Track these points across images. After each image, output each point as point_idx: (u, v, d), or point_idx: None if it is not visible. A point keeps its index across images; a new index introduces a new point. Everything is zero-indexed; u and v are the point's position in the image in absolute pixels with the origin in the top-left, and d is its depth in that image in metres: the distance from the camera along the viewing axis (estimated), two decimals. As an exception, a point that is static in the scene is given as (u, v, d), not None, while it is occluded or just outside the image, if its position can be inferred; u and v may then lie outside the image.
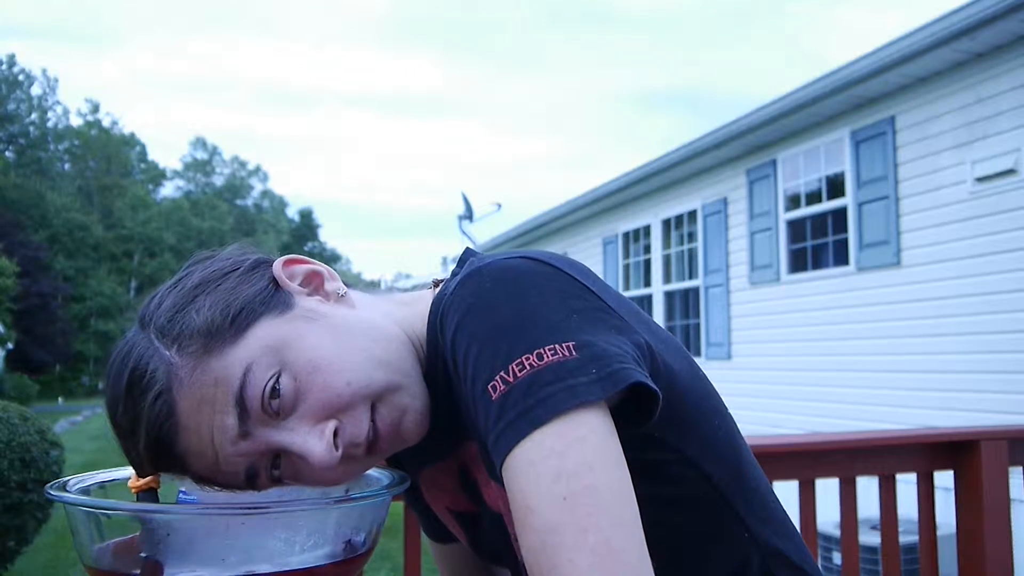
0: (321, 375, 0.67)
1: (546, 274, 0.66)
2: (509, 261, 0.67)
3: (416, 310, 0.79)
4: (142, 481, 0.68)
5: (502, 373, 0.60)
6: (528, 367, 0.59)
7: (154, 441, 0.65)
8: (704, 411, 0.73)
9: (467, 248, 0.82)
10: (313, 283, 0.75)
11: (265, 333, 0.67)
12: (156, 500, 0.68)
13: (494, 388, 0.60)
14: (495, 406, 0.60)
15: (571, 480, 0.56)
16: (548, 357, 0.59)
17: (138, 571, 0.62)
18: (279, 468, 0.69)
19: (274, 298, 0.70)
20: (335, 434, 0.67)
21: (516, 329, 0.61)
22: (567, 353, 0.59)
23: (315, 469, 0.67)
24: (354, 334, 0.70)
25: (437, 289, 0.82)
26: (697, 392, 0.73)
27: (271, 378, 0.65)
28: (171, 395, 0.64)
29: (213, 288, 0.69)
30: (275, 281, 0.72)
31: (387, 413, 0.71)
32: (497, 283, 0.64)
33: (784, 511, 0.79)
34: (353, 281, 0.83)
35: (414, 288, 0.88)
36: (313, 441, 0.66)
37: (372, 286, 0.92)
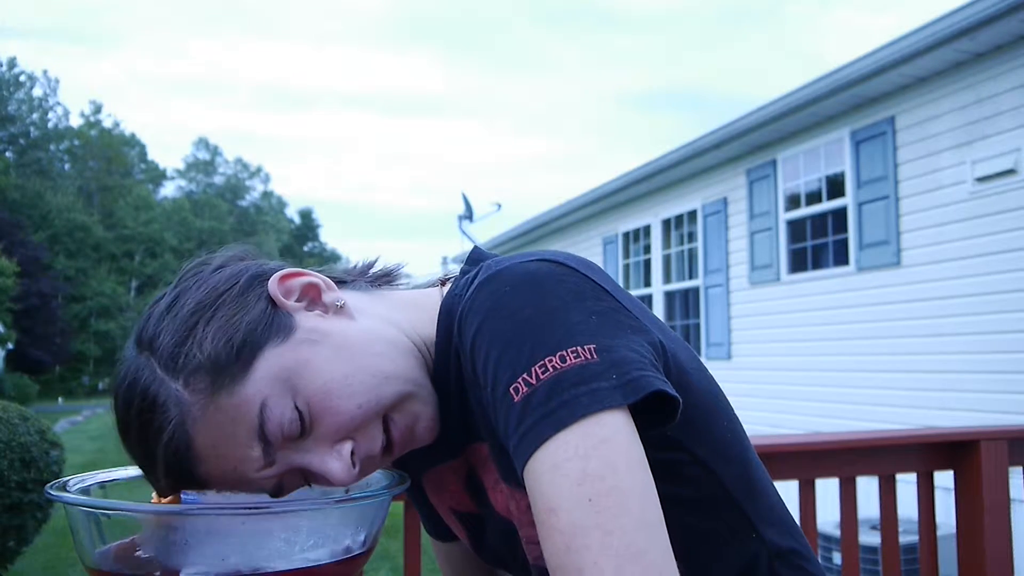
0: (332, 400, 0.67)
1: (563, 276, 0.66)
2: (527, 264, 0.67)
3: (422, 311, 0.78)
4: (164, 502, 0.68)
5: (524, 376, 0.60)
6: (551, 369, 0.59)
7: (174, 473, 0.66)
8: (713, 411, 0.73)
9: (475, 247, 0.82)
10: (310, 295, 0.73)
11: (272, 364, 0.66)
12: None
13: (516, 390, 0.60)
14: (517, 408, 0.60)
15: (596, 482, 0.56)
16: (571, 360, 0.59)
17: (137, 571, 0.63)
18: (304, 478, 0.71)
19: (274, 323, 0.69)
20: (352, 452, 0.69)
21: (537, 332, 0.61)
22: (589, 356, 0.60)
23: (334, 485, 0.69)
24: (359, 351, 0.70)
25: (444, 287, 0.82)
26: (706, 392, 0.73)
27: (287, 409, 0.66)
28: (185, 431, 0.64)
29: (211, 314, 0.68)
30: (272, 301, 0.71)
31: (400, 421, 0.71)
32: (516, 286, 0.64)
33: (788, 511, 0.80)
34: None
35: (415, 287, 0.87)
36: (332, 462, 0.68)
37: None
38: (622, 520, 0.55)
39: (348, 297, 0.76)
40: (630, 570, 0.54)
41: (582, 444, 0.57)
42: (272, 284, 0.71)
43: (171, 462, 0.65)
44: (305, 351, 0.68)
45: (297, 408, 0.66)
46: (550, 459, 0.57)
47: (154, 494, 0.69)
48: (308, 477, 0.71)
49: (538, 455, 0.58)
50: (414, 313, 0.78)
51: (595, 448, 0.57)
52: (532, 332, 0.61)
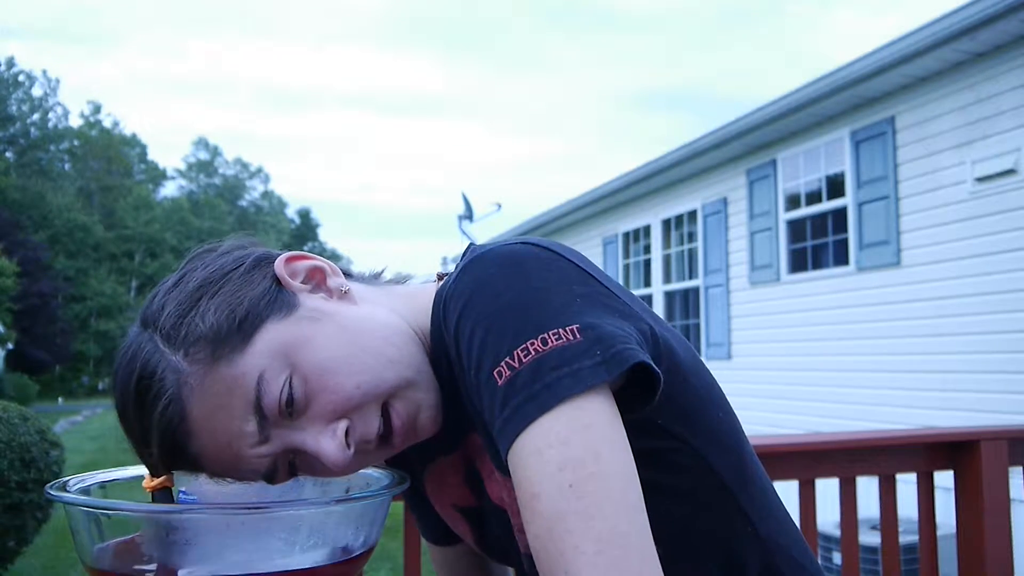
0: (331, 378, 0.67)
1: (548, 259, 0.66)
2: (511, 247, 0.67)
3: (419, 303, 0.79)
4: (156, 481, 0.68)
5: (507, 359, 0.60)
6: (533, 352, 0.59)
7: (168, 446, 0.66)
8: (706, 401, 0.73)
9: (471, 243, 0.82)
10: (315, 279, 0.74)
11: (272, 337, 0.67)
12: (171, 499, 0.69)
13: (499, 374, 0.60)
14: (500, 392, 0.60)
15: (576, 468, 0.56)
16: (552, 342, 0.59)
17: (137, 570, 0.63)
18: (296, 463, 0.70)
19: (278, 299, 0.69)
20: (347, 433, 0.68)
21: (520, 313, 0.61)
22: (571, 337, 0.60)
23: (327, 466, 0.68)
24: (361, 333, 0.70)
25: (441, 282, 0.82)
26: (700, 381, 0.73)
27: (284, 384, 0.66)
28: (181, 402, 0.64)
29: (216, 290, 0.69)
30: (277, 280, 0.71)
31: (402, 409, 0.71)
32: (500, 268, 0.65)
33: (785, 509, 0.80)
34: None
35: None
36: (326, 441, 0.67)
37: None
38: (602, 505, 0.56)
39: (352, 285, 0.76)
40: (610, 553, 0.54)
41: (563, 429, 0.57)
42: (278, 264, 0.72)
43: (165, 434, 0.65)
44: (307, 328, 0.68)
45: (292, 384, 0.66)
46: (532, 444, 0.58)
47: (147, 476, 0.69)
48: (299, 464, 0.70)
49: (521, 440, 0.58)
50: (414, 304, 0.79)
51: (576, 433, 0.57)
52: (515, 314, 0.61)
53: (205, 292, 0.68)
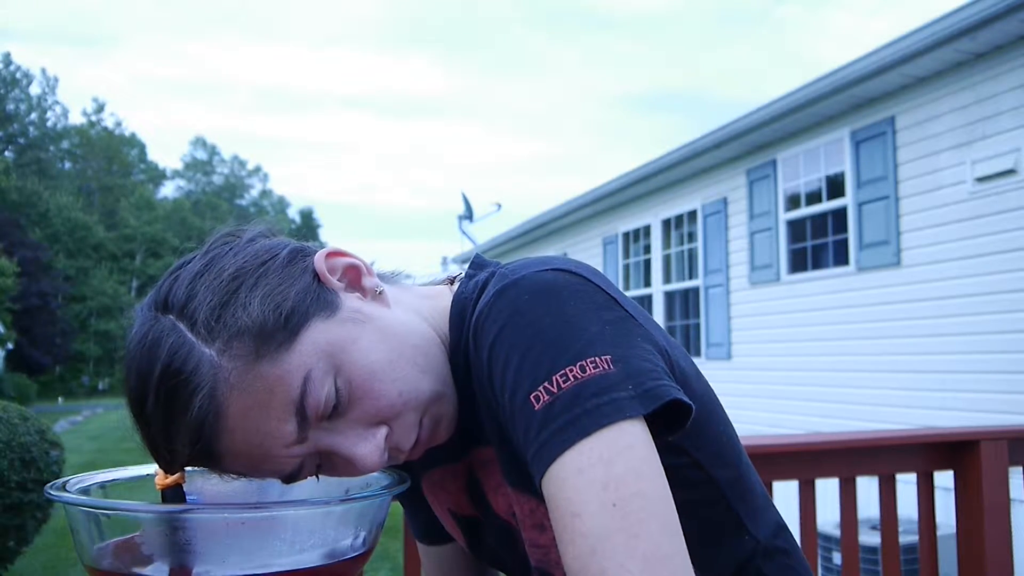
0: (375, 383, 0.66)
1: (578, 286, 0.66)
2: (544, 274, 0.67)
3: (440, 306, 0.78)
4: (170, 478, 0.66)
5: (545, 384, 0.60)
6: (572, 379, 0.60)
7: (194, 443, 0.62)
8: (710, 415, 0.74)
9: (477, 254, 0.82)
10: (349, 277, 0.72)
11: (318, 337, 0.65)
12: (183, 496, 0.67)
13: (537, 399, 0.60)
14: (538, 416, 0.60)
15: (620, 487, 0.57)
16: (590, 370, 0.60)
17: (138, 571, 0.63)
18: (321, 464, 0.69)
19: (321, 297, 0.67)
20: (385, 438, 0.68)
21: (557, 341, 0.62)
22: (606, 367, 0.60)
23: (359, 471, 0.68)
24: (400, 339, 0.69)
25: (452, 287, 0.82)
26: (704, 397, 0.74)
27: (329, 386, 0.64)
28: (217, 397, 0.61)
29: (254, 280, 0.65)
30: (317, 276, 0.69)
31: (428, 422, 0.71)
32: (535, 296, 0.65)
33: (777, 511, 0.81)
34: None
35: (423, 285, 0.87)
36: (365, 446, 0.67)
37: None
38: (648, 525, 0.56)
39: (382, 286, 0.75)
40: (655, 573, 0.54)
41: (606, 451, 0.57)
42: (318, 260, 0.70)
43: (195, 431, 0.61)
44: (352, 329, 0.67)
45: (337, 386, 0.65)
46: (573, 464, 0.58)
47: (159, 473, 0.67)
48: (324, 465, 0.69)
49: (561, 461, 0.58)
50: (434, 306, 0.78)
51: (618, 454, 0.57)
52: (552, 342, 0.62)
53: (243, 282, 0.65)
